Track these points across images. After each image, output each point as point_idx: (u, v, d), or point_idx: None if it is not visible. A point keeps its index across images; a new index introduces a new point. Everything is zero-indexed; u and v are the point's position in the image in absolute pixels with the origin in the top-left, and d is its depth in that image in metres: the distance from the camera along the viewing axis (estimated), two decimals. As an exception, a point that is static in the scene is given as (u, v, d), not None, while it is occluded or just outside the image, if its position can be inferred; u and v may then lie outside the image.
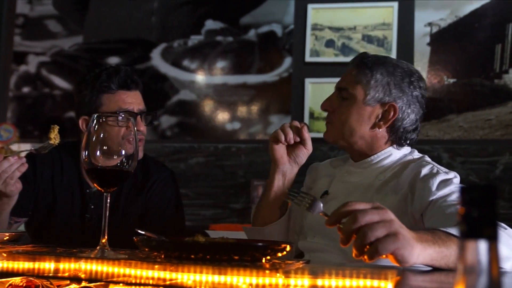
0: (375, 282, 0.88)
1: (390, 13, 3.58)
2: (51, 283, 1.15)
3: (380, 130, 1.59)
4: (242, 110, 3.77)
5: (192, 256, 1.02)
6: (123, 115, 1.14)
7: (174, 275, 0.94)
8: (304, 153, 1.65)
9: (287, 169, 1.65)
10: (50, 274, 1.06)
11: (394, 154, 1.61)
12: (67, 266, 1.05)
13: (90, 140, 1.10)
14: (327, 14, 3.69)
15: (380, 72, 1.59)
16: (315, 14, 3.71)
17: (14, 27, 4.15)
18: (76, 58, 4.04)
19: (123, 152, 1.11)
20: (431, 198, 1.42)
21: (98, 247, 1.09)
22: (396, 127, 1.59)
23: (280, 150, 1.63)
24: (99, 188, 1.12)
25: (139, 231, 1.25)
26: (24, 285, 1.16)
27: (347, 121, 1.59)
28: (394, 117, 1.58)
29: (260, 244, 1.07)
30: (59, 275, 1.09)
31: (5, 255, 1.21)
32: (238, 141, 3.73)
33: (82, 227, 1.83)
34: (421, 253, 1.01)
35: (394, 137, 1.61)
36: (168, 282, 0.91)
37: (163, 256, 1.08)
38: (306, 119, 3.63)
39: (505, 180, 3.29)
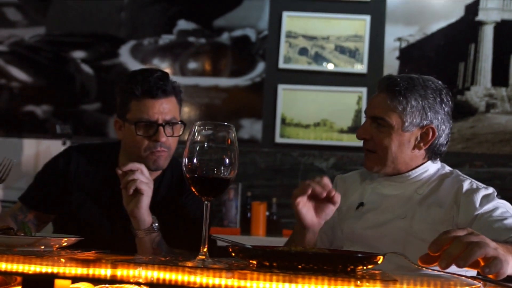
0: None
1: (362, 26, 3.70)
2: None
3: (420, 150, 1.65)
4: (213, 113, 3.76)
5: (300, 267, 1.04)
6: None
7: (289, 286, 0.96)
8: (332, 209, 1.52)
9: (317, 229, 1.54)
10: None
11: (430, 169, 1.68)
12: (168, 276, 1.02)
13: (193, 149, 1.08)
14: (301, 22, 3.76)
15: (414, 97, 1.62)
16: (289, 21, 3.76)
17: (-31, 13, 3.90)
18: (37, 49, 3.85)
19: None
20: (476, 213, 1.51)
21: (198, 256, 1.07)
22: (434, 145, 1.65)
23: (309, 215, 1.50)
24: (199, 196, 1.10)
25: (212, 236, 1.24)
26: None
27: (389, 148, 1.62)
28: (433, 138, 1.64)
29: (361, 255, 1.10)
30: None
31: (63, 260, 1.16)
32: (207, 143, 3.70)
33: (111, 221, 1.81)
34: (511, 264, 1.09)
35: (431, 153, 1.67)
36: None
37: (258, 265, 1.09)
38: (278, 124, 3.68)
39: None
